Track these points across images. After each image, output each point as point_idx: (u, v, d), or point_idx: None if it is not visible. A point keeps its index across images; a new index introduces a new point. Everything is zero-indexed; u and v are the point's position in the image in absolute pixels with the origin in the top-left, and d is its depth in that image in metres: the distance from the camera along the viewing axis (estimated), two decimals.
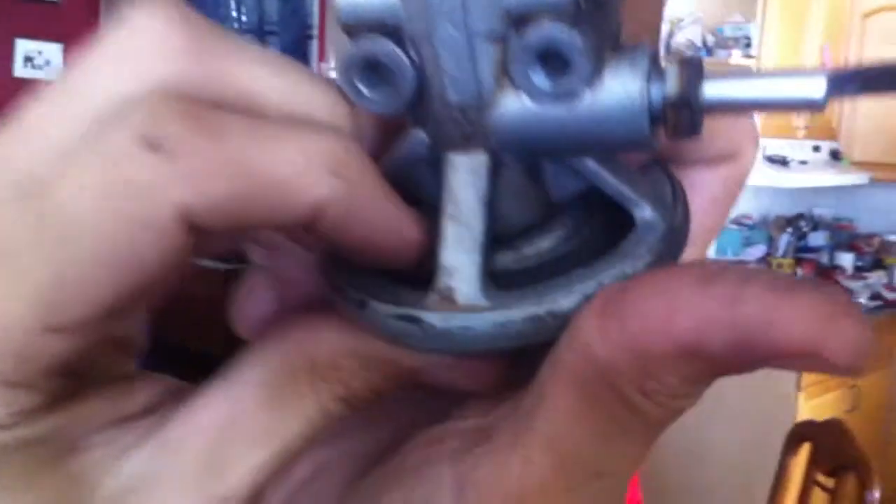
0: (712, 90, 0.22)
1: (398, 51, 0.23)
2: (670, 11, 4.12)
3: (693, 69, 0.22)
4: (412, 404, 0.27)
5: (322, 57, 4.91)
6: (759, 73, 0.22)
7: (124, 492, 0.22)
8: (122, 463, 0.23)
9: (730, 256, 4.14)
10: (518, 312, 0.22)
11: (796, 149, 4.26)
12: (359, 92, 0.24)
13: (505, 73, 0.23)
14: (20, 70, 5.31)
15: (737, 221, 4.39)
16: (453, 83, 0.23)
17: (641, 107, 0.22)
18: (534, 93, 0.23)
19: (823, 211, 4.74)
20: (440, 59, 0.23)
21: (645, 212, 0.24)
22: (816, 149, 4.39)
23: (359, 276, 0.25)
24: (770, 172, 4.03)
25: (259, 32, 5.16)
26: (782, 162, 4.15)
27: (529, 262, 0.26)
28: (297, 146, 0.21)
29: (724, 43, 4.22)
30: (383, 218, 0.23)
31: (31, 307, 0.20)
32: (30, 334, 0.20)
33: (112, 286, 0.20)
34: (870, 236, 4.63)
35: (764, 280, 0.19)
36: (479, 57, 0.23)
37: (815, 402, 3.59)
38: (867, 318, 0.19)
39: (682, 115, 0.22)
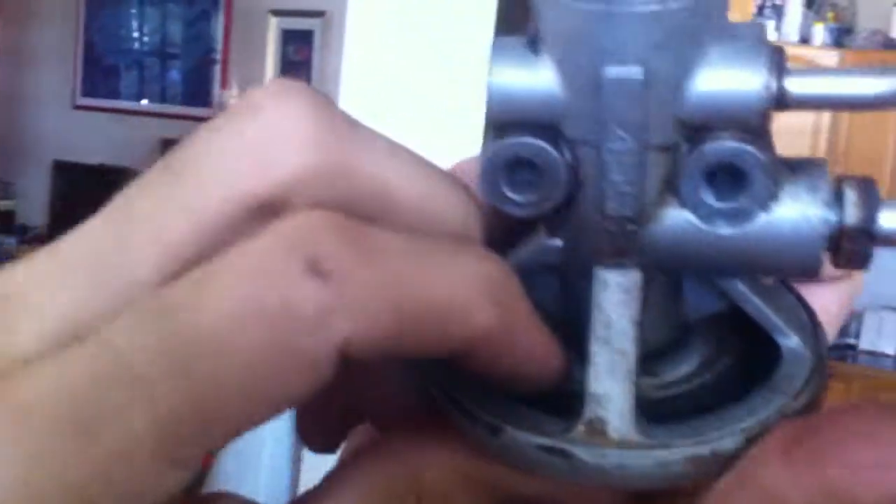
0: (890, 220, 0.21)
1: (552, 150, 0.21)
2: None
3: (872, 196, 0.21)
4: None
5: (224, 83, 4.99)
6: None
7: None
8: None
9: None
10: (678, 452, 0.21)
11: None
12: (502, 194, 0.22)
13: (670, 186, 0.21)
14: None
15: None
16: (616, 194, 0.21)
17: (819, 235, 0.21)
18: (703, 211, 0.21)
19: None
20: (607, 167, 0.21)
21: (791, 340, 0.23)
22: None
23: (485, 395, 0.22)
24: None
25: (161, 55, 5.26)
26: None
27: (671, 389, 0.24)
28: (456, 270, 0.20)
29: None
30: (535, 347, 0.21)
31: (162, 438, 0.17)
32: (155, 465, 0.17)
33: (249, 417, 0.18)
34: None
35: None
36: (648, 169, 0.21)
37: None
38: None
39: (857, 245, 0.21)
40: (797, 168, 0.22)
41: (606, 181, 0.21)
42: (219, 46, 5.06)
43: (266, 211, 0.20)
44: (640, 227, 0.22)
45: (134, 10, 5.36)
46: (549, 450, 0.22)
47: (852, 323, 4.69)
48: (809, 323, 0.24)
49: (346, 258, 0.18)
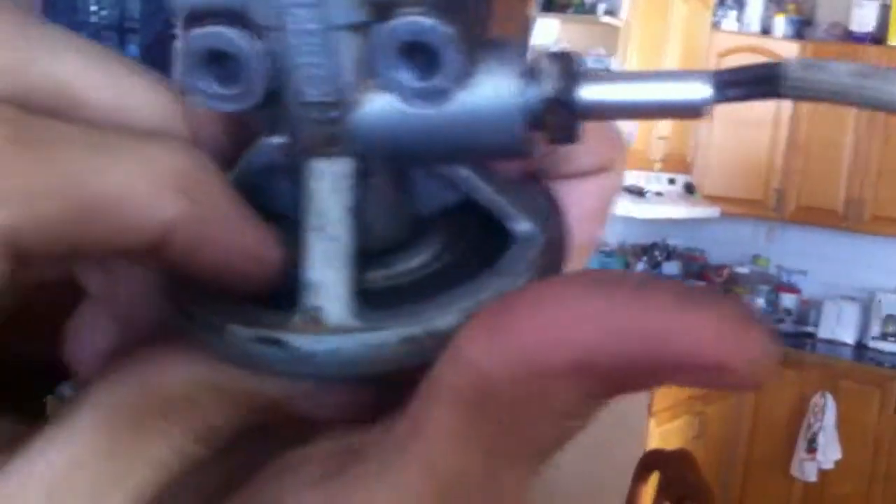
0: (590, 92, 0.21)
1: (246, 39, 0.20)
2: (535, 39, 4.27)
3: (569, 68, 0.21)
4: (269, 434, 0.24)
5: None
6: (640, 75, 0.21)
7: None
8: None
9: None
10: (393, 333, 0.21)
11: (652, 181, 4.44)
12: (201, 88, 0.21)
13: (369, 69, 0.21)
14: None
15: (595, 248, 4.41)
16: (310, 78, 0.21)
17: (516, 108, 0.21)
18: (400, 91, 0.21)
19: (677, 241, 4.97)
20: (294, 50, 0.20)
21: (522, 225, 0.23)
22: (672, 181, 4.59)
23: (212, 300, 0.22)
24: (627, 202, 4.20)
25: (119, 29, 5.28)
26: (639, 193, 4.32)
27: (401, 279, 0.24)
28: (137, 160, 0.19)
29: None
30: (238, 239, 0.21)
31: None
32: None
33: None
34: (719, 267, 4.94)
35: (663, 290, 0.18)
36: (337, 48, 0.20)
37: (663, 428, 3.97)
38: None
39: (559, 119, 0.21)
40: (495, 45, 0.21)
41: (298, 66, 0.21)
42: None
43: None
44: (343, 114, 0.21)
45: None
46: (265, 340, 0.21)
47: (811, 312, 4.80)
48: (548, 208, 0.24)
49: (3, 146, 0.17)
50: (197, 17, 0.20)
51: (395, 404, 0.21)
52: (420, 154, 0.22)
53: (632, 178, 4.27)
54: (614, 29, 4.18)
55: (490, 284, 0.22)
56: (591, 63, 4.21)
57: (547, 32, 4.22)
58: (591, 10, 4.20)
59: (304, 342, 0.21)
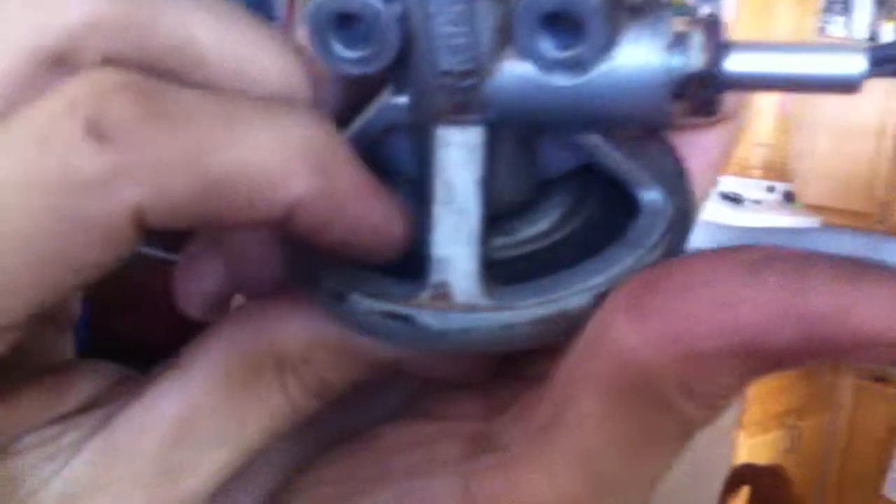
0: (739, 64, 0.20)
1: (380, 4, 0.20)
2: None
3: (718, 38, 0.20)
4: (383, 389, 0.26)
5: (291, 13, 4.97)
6: (789, 46, 0.20)
7: (65, 500, 0.20)
8: (62, 467, 0.20)
9: None
10: (524, 314, 0.21)
11: (751, 188, 4.38)
12: (331, 50, 0.21)
13: (506, 37, 0.21)
14: None
15: None
16: (448, 47, 0.20)
17: (663, 81, 0.20)
18: (540, 61, 0.20)
19: None
20: (433, 18, 0.20)
21: (652, 194, 0.22)
22: (770, 189, 4.53)
23: (334, 265, 0.22)
24: (724, 209, 4.13)
25: None
26: (736, 200, 4.25)
27: (526, 248, 0.24)
28: (270, 134, 0.19)
29: None
30: (367, 216, 0.20)
31: None
32: None
33: (42, 292, 0.17)
34: None
35: (826, 266, 0.17)
36: (479, 17, 0.20)
37: (754, 440, 3.95)
38: None
39: (705, 91, 0.20)
40: (639, 12, 0.21)
41: (437, 33, 0.20)
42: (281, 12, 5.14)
43: (59, 62, 0.19)
44: (478, 82, 0.21)
45: None
46: (392, 315, 0.21)
47: None
48: (675, 173, 0.23)
49: (133, 119, 0.17)
50: None
51: (507, 370, 0.21)
52: (553, 123, 0.22)
53: (729, 184, 4.19)
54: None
55: (621, 259, 0.21)
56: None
57: None
58: (692, 13, 4.14)
59: (433, 320, 0.21)
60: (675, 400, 0.19)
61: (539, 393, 0.21)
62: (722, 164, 0.26)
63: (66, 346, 0.23)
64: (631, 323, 0.19)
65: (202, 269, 0.25)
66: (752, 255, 0.18)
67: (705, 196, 0.26)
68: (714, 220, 4.09)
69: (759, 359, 0.18)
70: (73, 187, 0.17)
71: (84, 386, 0.22)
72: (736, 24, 4.14)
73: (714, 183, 0.26)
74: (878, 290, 0.17)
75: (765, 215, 4.34)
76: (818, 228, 4.60)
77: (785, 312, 0.17)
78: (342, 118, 0.23)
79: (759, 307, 0.17)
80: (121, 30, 0.19)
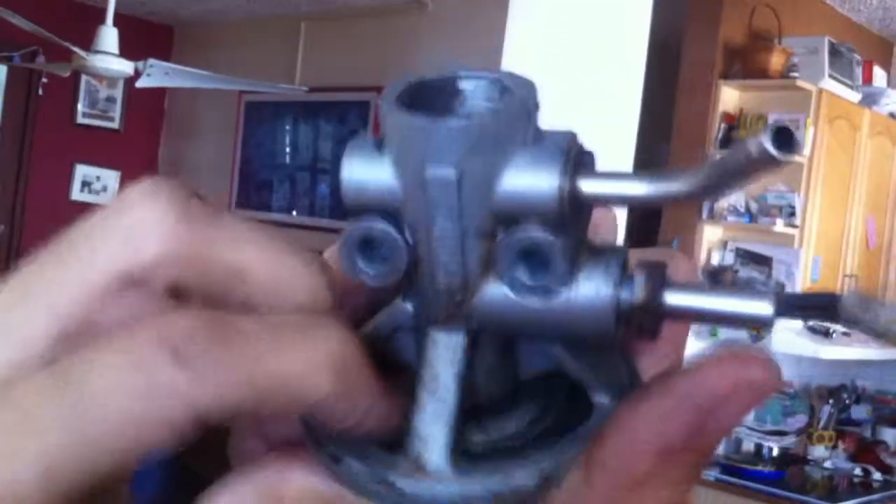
0: (673, 299, 0.25)
1: (395, 232, 0.25)
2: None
3: (658, 279, 0.25)
4: None
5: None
6: (715, 290, 0.25)
7: None
8: None
9: (769, 426, 4.18)
10: (483, 487, 0.25)
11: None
12: (356, 265, 0.26)
13: (490, 265, 0.25)
14: (77, 194, 5.71)
15: (777, 390, 4.38)
16: (443, 270, 0.25)
17: (610, 309, 0.25)
18: (514, 285, 0.25)
19: (866, 383, 4.74)
20: (433, 247, 0.25)
21: (602, 398, 0.26)
22: None
23: (334, 432, 0.26)
24: (812, 343, 4.10)
25: (312, 170, 5.39)
26: (825, 333, 4.20)
27: (497, 443, 0.28)
28: (305, 349, 0.24)
29: (767, 210, 4.28)
30: (373, 411, 0.25)
31: (50, 476, 0.21)
32: (35, 492, 0.21)
33: (121, 461, 0.22)
34: None
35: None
36: (468, 250, 0.25)
37: None
38: None
39: (646, 319, 0.25)
40: (598, 253, 0.26)
41: (436, 260, 0.25)
42: None
43: (136, 284, 0.24)
44: (465, 298, 0.26)
45: (288, 128, 5.54)
46: (377, 479, 0.25)
47: None
48: (628, 381, 0.28)
49: (204, 345, 0.22)
50: (359, 211, 0.26)
51: None
52: (525, 335, 0.27)
53: None
54: (797, 165, 4.16)
55: (568, 450, 0.25)
56: (771, 199, 4.25)
57: None
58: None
59: (407, 485, 0.25)
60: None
61: None
62: (679, 364, 0.29)
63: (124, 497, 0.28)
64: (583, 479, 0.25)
65: (247, 447, 0.29)
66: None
67: None
68: (803, 353, 4.07)
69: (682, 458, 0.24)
70: (156, 397, 0.22)
71: None
72: (815, 156, 4.17)
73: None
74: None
75: (855, 348, 4.28)
76: None
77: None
78: (363, 315, 0.28)
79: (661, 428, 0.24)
80: (187, 263, 0.24)
